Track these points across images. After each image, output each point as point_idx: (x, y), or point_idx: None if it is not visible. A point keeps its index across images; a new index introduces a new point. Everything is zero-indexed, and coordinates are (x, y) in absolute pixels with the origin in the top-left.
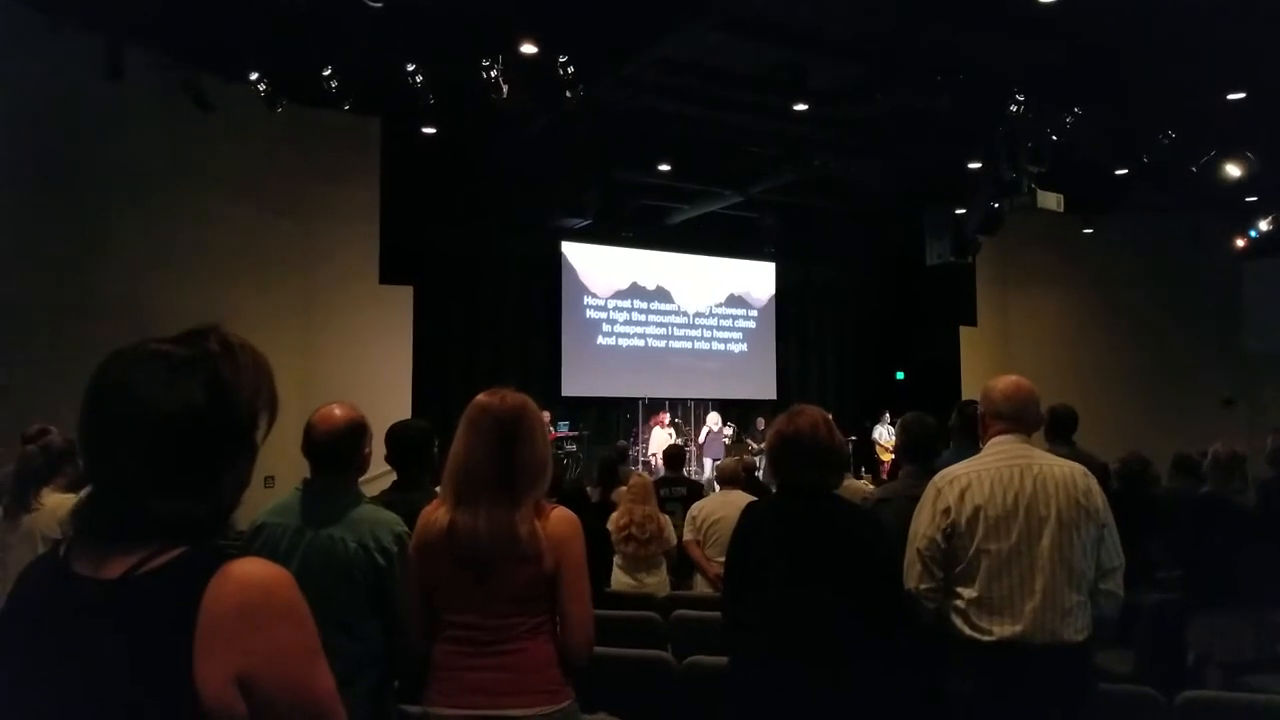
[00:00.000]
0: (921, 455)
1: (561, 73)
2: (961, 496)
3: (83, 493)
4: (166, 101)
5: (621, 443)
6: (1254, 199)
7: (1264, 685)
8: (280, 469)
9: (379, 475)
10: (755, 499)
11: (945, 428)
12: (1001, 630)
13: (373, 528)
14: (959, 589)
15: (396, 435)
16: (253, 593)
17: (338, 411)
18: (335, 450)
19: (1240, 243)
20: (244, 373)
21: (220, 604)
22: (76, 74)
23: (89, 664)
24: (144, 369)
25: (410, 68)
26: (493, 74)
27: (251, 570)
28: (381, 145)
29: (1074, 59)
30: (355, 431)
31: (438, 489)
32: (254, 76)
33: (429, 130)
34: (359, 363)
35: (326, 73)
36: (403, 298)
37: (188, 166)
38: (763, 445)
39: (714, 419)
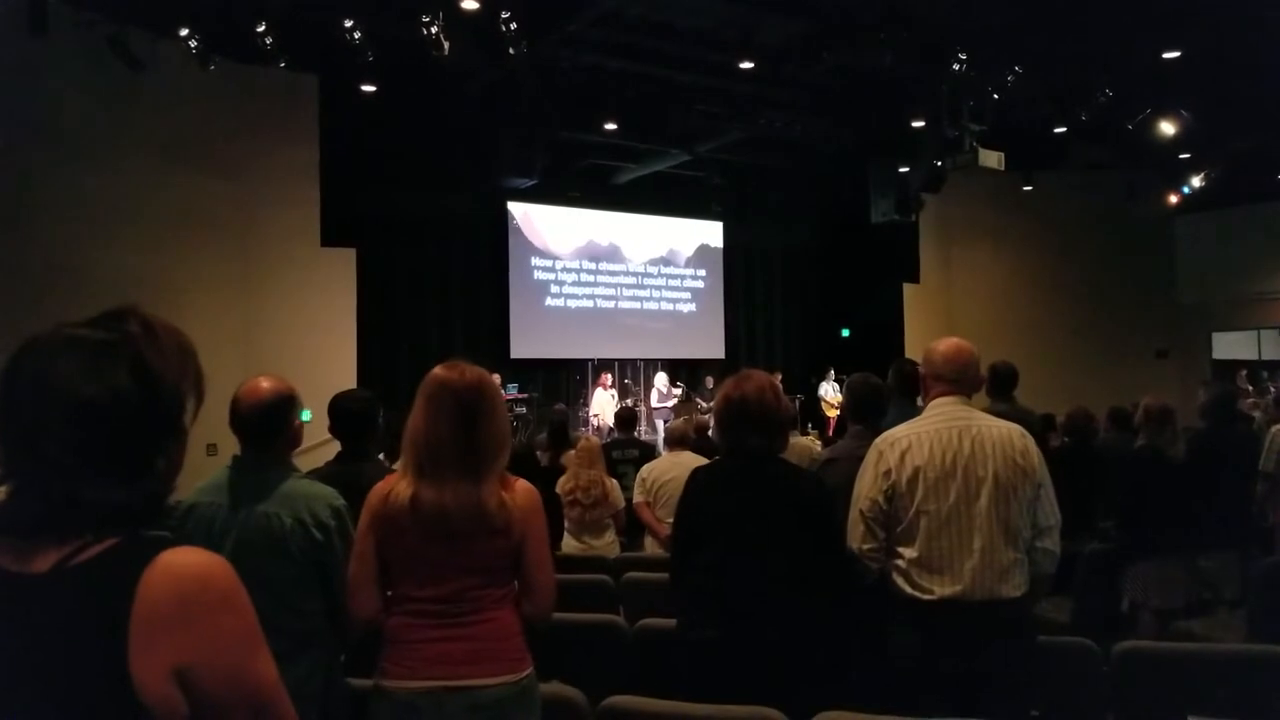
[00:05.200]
0: (868, 415)
1: (504, 29)
2: (902, 458)
3: (2, 488)
4: (94, 58)
5: (560, 405)
6: (1187, 156)
7: (1192, 630)
8: (221, 437)
9: (320, 444)
10: (705, 461)
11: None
12: (942, 589)
13: (308, 502)
14: (900, 549)
15: (339, 406)
16: (188, 583)
17: (264, 384)
18: (263, 424)
19: (1174, 199)
20: (168, 355)
21: (155, 596)
22: None
23: (19, 663)
24: (63, 356)
25: (348, 24)
26: (433, 30)
27: (186, 560)
28: (320, 104)
29: (1014, 17)
30: (283, 404)
31: (382, 458)
32: (184, 33)
33: (369, 88)
34: (302, 328)
35: (260, 29)
36: (345, 260)
37: (118, 126)
38: (711, 405)
39: (661, 380)
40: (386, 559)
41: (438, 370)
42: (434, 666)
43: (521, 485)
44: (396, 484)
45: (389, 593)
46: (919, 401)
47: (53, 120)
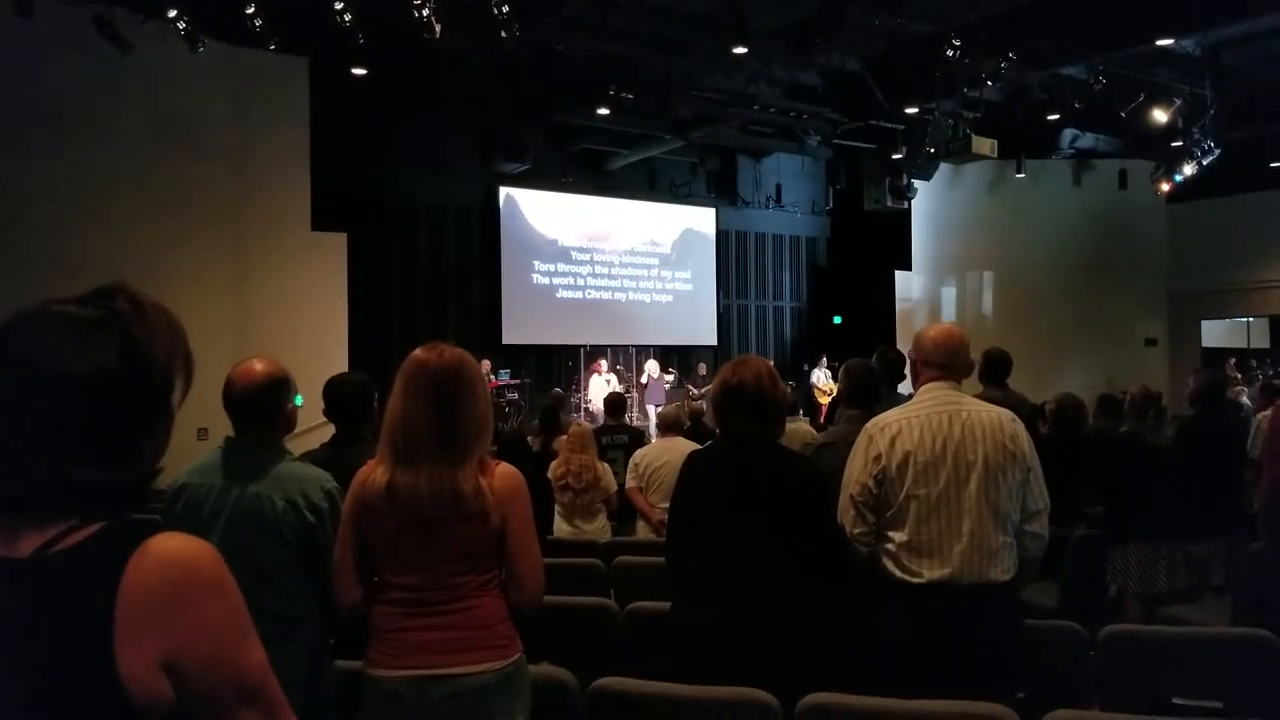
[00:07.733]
0: (864, 400)
1: (497, 11)
2: (892, 443)
3: None
4: (81, 40)
5: (558, 391)
6: (1179, 144)
7: (1178, 615)
8: (213, 421)
9: (312, 428)
10: (698, 447)
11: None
12: (931, 572)
13: (301, 484)
14: (890, 533)
15: (334, 389)
16: (174, 570)
17: (257, 366)
18: (255, 406)
19: (1165, 187)
20: (157, 334)
21: (141, 584)
22: None
23: (2, 650)
24: (50, 333)
25: (338, 5)
26: (424, 12)
27: (173, 546)
28: (311, 87)
29: (1008, 4)
30: (275, 386)
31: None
32: (172, 14)
33: (360, 71)
34: (293, 312)
35: (250, 10)
36: (336, 245)
37: (106, 109)
38: (704, 391)
39: (652, 366)
40: (367, 545)
41: (416, 352)
42: (416, 655)
43: (503, 469)
44: (374, 469)
45: (374, 579)
46: (901, 388)
47: (40, 103)
